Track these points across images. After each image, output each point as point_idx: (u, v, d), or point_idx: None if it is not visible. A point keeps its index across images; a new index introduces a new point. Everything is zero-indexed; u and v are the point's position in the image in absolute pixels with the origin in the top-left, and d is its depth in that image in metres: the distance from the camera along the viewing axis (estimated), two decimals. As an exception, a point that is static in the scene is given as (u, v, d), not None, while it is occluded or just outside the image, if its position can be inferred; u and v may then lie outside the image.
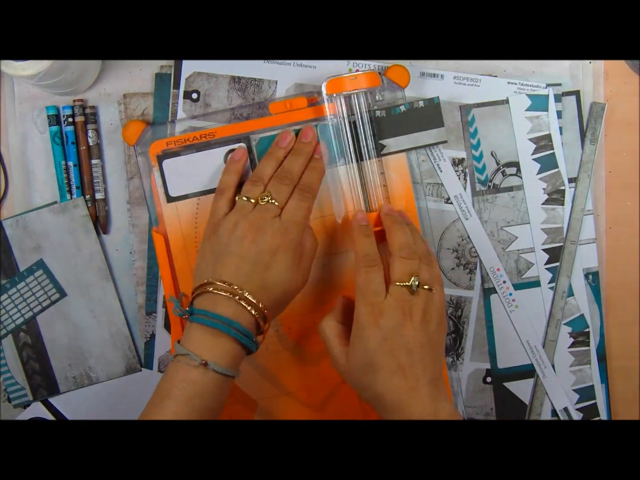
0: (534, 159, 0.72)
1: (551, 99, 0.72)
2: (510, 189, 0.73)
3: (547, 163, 0.72)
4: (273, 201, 0.64)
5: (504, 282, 0.73)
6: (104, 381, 0.74)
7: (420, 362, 0.61)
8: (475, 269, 0.74)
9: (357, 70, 0.72)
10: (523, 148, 0.72)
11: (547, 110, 0.72)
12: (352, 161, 0.70)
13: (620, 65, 0.73)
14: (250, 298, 0.60)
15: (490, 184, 0.73)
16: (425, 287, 0.62)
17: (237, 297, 0.60)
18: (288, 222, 0.64)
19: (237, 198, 0.65)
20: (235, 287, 0.60)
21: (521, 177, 0.73)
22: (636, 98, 0.73)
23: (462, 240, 0.73)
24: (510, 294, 0.73)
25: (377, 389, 0.60)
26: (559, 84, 0.72)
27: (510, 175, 0.73)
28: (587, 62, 0.73)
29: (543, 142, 0.72)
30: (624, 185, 0.74)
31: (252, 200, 0.64)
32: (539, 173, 0.72)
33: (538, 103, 0.72)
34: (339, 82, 0.69)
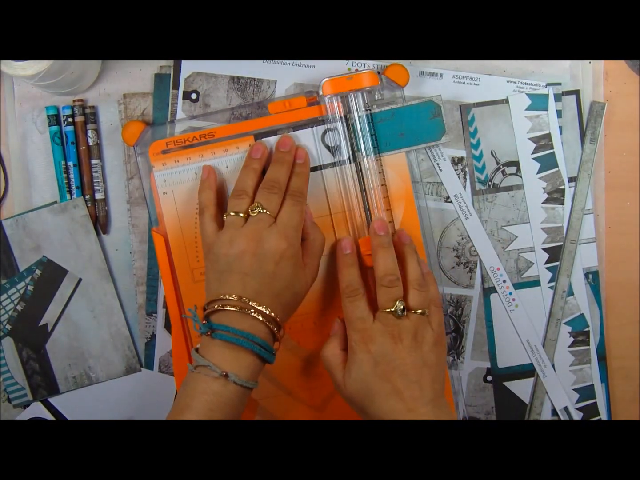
0: (533, 158, 0.72)
1: (551, 98, 0.72)
2: (510, 188, 0.73)
3: (547, 162, 0.72)
4: (265, 211, 0.64)
5: (504, 281, 0.73)
6: (104, 381, 0.74)
7: (416, 383, 0.62)
8: (475, 267, 0.74)
9: (357, 70, 0.72)
10: (523, 147, 0.72)
11: (547, 110, 0.72)
12: (350, 161, 0.70)
13: (620, 65, 0.73)
14: (263, 310, 0.61)
15: (490, 183, 0.73)
16: (418, 311, 0.64)
17: (251, 310, 0.61)
18: (285, 228, 0.64)
19: (225, 216, 0.65)
20: (247, 300, 0.61)
21: (521, 177, 0.73)
22: (636, 98, 0.73)
23: (462, 239, 0.73)
24: (510, 293, 0.73)
25: (375, 413, 0.62)
26: (559, 84, 0.72)
27: (510, 174, 0.73)
28: (587, 62, 0.73)
29: (543, 142, 0.72)
30: (624, 185, 0.74)
31: (242, 214, 0.64)
32: (538, 172, 0.72)
33: (538, 102, 0.72)
34: (337, 82, 0.69)
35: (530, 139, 0.72)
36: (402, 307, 0.63)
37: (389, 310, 0.63)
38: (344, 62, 0.72)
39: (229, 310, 0.61)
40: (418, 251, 0.70)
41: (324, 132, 0.71)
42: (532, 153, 0.72)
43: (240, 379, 0.60)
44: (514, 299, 0.73)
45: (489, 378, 0.74)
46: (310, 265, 0.66)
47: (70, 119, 0.72)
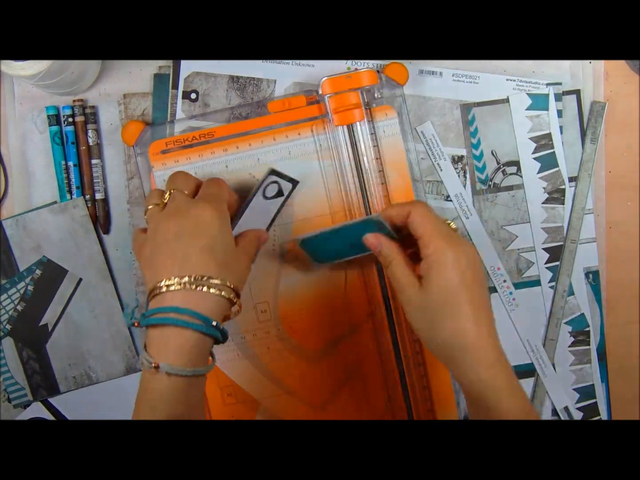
0: (534, 158, 0.72)
1: (551, 98, 0.72)
2: (510, 188, 0.73)
3: (548, 162, 0.72)
4: (180, 189, 0.61)
5: (504, 281, 0.73)
6: (104, 381, 0.74)
7: (487, 300, 0.60)
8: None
9: (356, 69, 0.72)
10: (523, 147, 0.72)
11: (548, 110, 0.72)
12: (350, 160, 0.70)
13: (620, 65, 0.73)
14: (194, 277, 0.56)
15: (490, 183, 0.73)
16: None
17: (183, 283, 0.55)
18: (206, 195, 0.61)
19: (144, 215, 0.62)
20: (176, 279, 0.55)
21: (521, 176, 0.73)
22: (636, 98, 0.73)
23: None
24: (511, 293, 0.73)
25: (457, 323, 0.58)
26: (559, 83, 0.72)
27: (511, 174, 0.73)
28: (587, 62, 0.73)
29: (543, 141, 0.72)
30: (624, 185, 0.74)
31: (159, 204, 0.61)
32: (539, 172, 0.72)
33: (538, 102, 0.72)
34: (336, 81, 0.69)
35: (530, 138, 0.72)
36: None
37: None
38: (343, 61, 0.73)
39: (162, 292, 0.56)
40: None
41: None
42: (533, 153, 0.72)
43: (174, 367, 0.54)
44: (514, 299, 0.73)
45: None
46: (242, 247, 0.62)
47: (70, 119, 0.72)
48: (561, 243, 0.73)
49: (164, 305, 0.55)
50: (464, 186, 0.73)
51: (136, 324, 0.58)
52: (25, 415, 0.74)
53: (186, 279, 0.55)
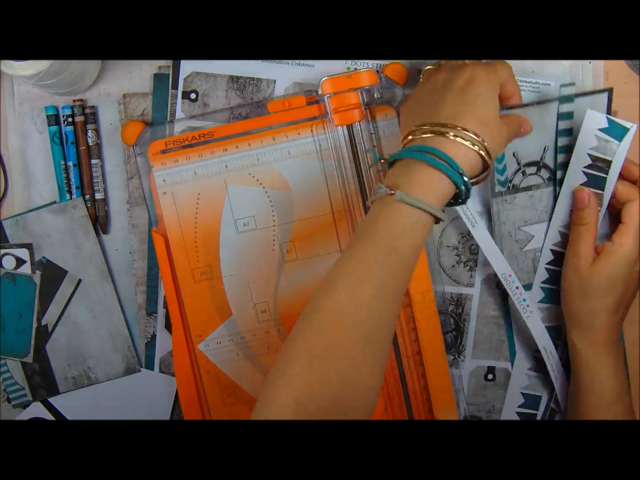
0: (584, 172, 0.69)
1: (630, 134, 0.68)
2: (529, 188, 0.72)
3: (595, 182, 0.69)
4: None
5: (517, 287, 0.71)
6: (104, 381, 0.74)
7: (631, 299, 0.69)
8: (476, 266, 0.74)
9: (356, 69, 0.72)
10: (578, 157, 0.69)
11: (621, 142, 0.68)
12: (350, 159, 0.70)
13: (620, 65, 0.73)
14: (449, 124, 0.57)
15: (509, 184, 0.72)
16: None
17: (436, 128, 0.57)
18: (480, 65, 0.62)
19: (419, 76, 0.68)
20: (428, 125, 0.57)
21: (541, 176, 0.72)
22: (636, 98, 0.73)
23: (462, 237, 0.73)
24: (524, 300, 0.72)
25: (596, 309, 0.67)
26: (573, 84, 0.71)
27: (530, 174, 0.72)
28: (587, 62, 0.73)
29: (600, 164, 0.69)
30: (624, 185, 0.74)
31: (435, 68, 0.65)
32: (582, 184, 0.69)
33: (615, 130, 0.68)
34: (336, 81, 0.69)
35: (589, 154, 0.68)
36: None
37: None
38: (343, 61, 0.73)
39: (412, 139, 0.58)
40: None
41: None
42: (585, 167, 0.69)
43: (437, 209, 0.55)
44: (528, 305, 0.72)
45: (490, 377, 0.74)
46: (505, 121, 0.62)
47: (70, 119, 0.72)
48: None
49: (445, 152, 0.56)
50: (476, 194, 0.72)
51: (383, 160, 0.59)
52: (25, 415, 0.74)
53: (439, 124, 0.57)
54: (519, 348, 0.75)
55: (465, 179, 0.56)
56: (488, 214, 0.72)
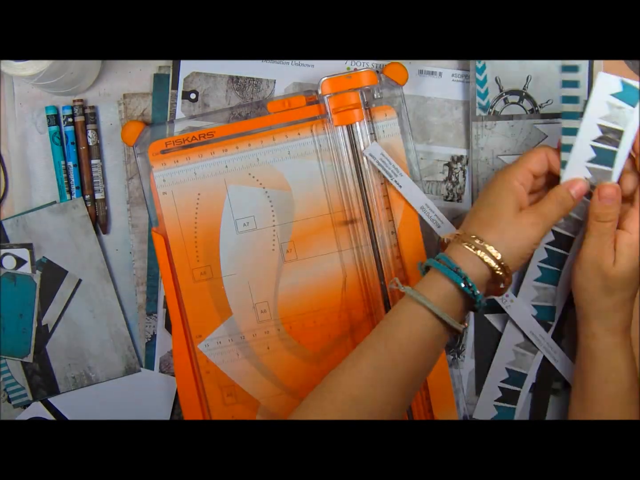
0: (592, 146, 0.63)
1: None
2: (510, 117, 0.72)
3: (604, 158, 0.63)
4: None
5: None
6: (104, 381, 0.74)
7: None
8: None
9: (356, 69, 0.72)
10: (587, 130, 0.63)
11: (635, 107, 0.62)
12: (350, 159, 0.70)
13: (620, 65, 0.73)
14: (489, 249, 0.59)
15: (490, 110, 0.72)
16: None
17: (473, 246, 0.59)
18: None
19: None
20: (475, 239, 0.59)
21: (523, 107, 0.71)
22: (636, 98, 0.73)
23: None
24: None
25: (620, 300, 0.64)
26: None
27: (512, 103, 0.71)
28: (587, 62, 0.73)
29: (611, 136, 0.63)
30: (624, 185, 0.74)
31: None
32: (589, 162, 0.64)
33: (629, 95, 0.62)
34: (336, 81, 0.69)
35: (600, 125, 0.63)
36: None
37: None
38: (343, 61, 0.73)
39: (459, 245, 0.60)
40: (418, 251, 0.70)
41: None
42: (594, 140, 0.63)
43: (452, 320, 0.59)
44: (507, 295, 0.72)
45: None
46: (530, 214, 0.62)
47: (70, 119, 0.72)
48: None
49: (455, 261, 0.59)
50: (463, 186, 0.73)
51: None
52: (25, 415, 0.74)
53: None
54: (509, 322, 0.74)
55: (470, 283, 0.59)
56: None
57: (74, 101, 0.72)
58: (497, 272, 0.59)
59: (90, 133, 0.72)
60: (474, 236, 0.60)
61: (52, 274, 0.72)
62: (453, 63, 0.73)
